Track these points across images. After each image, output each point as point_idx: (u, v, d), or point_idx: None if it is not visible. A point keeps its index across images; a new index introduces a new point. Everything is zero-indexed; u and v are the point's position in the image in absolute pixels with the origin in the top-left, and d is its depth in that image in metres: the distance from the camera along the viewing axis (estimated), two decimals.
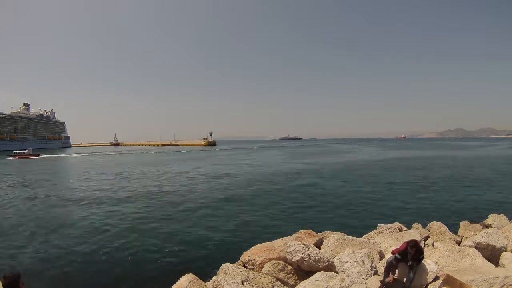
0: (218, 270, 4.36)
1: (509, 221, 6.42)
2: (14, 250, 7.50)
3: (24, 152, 52.22)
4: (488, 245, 4.65)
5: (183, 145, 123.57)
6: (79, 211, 11.56)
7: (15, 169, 30.06)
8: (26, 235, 8.63)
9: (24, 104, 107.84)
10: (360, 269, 3.96)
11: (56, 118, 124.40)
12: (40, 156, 53.63)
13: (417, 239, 5.03)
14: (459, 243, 5.45)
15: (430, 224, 6.26)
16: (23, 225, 9.71)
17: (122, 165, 29.88)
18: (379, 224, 6.41)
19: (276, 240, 5.08)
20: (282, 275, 4.17)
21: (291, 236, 5.43)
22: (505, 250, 4.63)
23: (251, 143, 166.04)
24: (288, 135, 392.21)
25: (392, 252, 3.85)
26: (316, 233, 5.53)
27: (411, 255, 3.62)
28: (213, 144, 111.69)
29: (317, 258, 4.13)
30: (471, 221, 6.45)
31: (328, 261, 4.17)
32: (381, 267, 4.20)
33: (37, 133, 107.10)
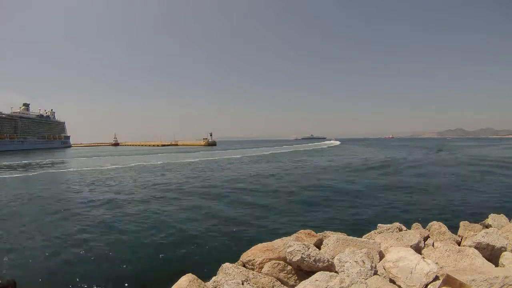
0: (218, 270, 4.35)
1: (509, 221, 6.42)
2: (8, 247, 7.51)
3: None
4: (488, 245, 4.65)
5: (183, 145, 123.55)
6: (78, 210, 11.56)
7: None
8: (20, 232, 8.63)
9: (24, 104, 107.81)
10: (360, 269, 3.96)
11: (56, 118, 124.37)
12: None
13: (418, 239, 5.04)
14: (459, 243, 5.45)
15: (430, 224, 6.26)
16: (17, 222, 9.71)
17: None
18: (379, 224, 6.41)
19: (276, 240, 5.07)
20: (282, 275, 4.17)
21: (291, 236, 5.42)
22: (505, 250, 4.63)
23: (278, 142, 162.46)
24: (312, 135, 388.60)
25: None
26: (316, 233, 5.52)
27: None
28: (213, 144, 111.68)
29: (317, 258, 4.13)
30: (471, 221, 6.44)
31: (328, 261, 4.17)
32: (381, 267, 4.21)
33: (37, 133, 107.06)
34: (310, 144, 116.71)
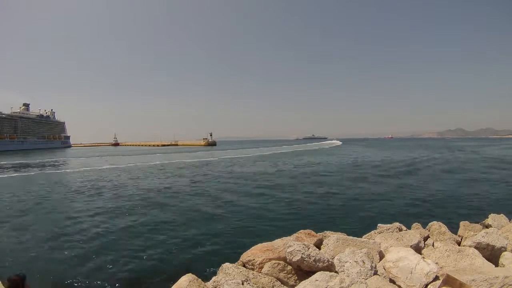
0: (218, 270, 4.35)
1: (509, 221, 6.42)
2: (16, 247, 7.51)
3: None
4: (488, 245, 4.65)
5: (183, 145, 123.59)
6: (76, 211, 11.56)
7: None
8: (27, 233, 8.63)
9: (24, 104, 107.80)
10: (360, 269, 3.96)
11: (56, 118, 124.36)
12: None
13: (418, 239, 5.04)
14: (459, 243, 5.45)
15: (430, 224, 6.26)
16: (23, 220, 9.71)
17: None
18: (379, 224, 6.41)
19: (276, 240, 5.07)
20: (282, 275, 4.17)
21: (291, 236, 5.43)
22: (505, 250, 4.63)
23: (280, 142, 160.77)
24: (313, 135, 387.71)
25: None
26: (316, 233, 5.52)
27: None
28: (213, 144, 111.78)
29: (317, 258, 4.13)
30: (471, 221, 6.45)
31: (328, 261, 4.17)
32: (381, 267, 4.21)
33: (37, 133, 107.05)
34: (312, 144, 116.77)
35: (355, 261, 4.06)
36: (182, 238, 8.15)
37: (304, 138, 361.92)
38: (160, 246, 7.55)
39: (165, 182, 19.23)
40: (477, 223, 6.50)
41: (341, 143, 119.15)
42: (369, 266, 4.01)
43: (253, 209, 11.44)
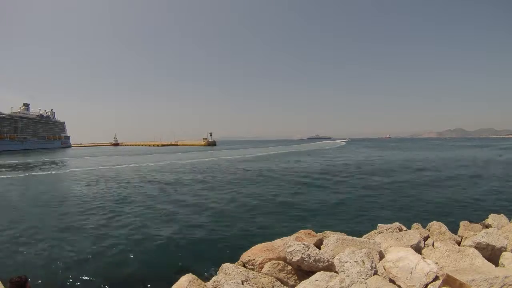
0: (218, 270, 4.35)
1: (509, 221, 6.42)
2: (15, 248, 7.51)
3: None
4: (488, 245, 4.65)
5: (183, 145, 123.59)
6: (73, 212, 11.55)
7: None
8: (28, 235, 8.63)
9: (24, 104, 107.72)
10: (360, 269, 3.96)
11: (56, 118, 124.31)
12: None
13: (418, 239, 5.04)
14: (459, 243, 5.45)
15: (430, 224, 6.26)
16: (24, 223, 9.71)
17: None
18: (379, 224, 6.41)
19: (276, 240, 5.07)
20: (282, 275, 4.17)
21: (291, 236, 5.43)
22: (505, 250, 4.63)
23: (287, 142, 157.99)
24: (317, 135, 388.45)
25: None
26: (316, 233, 5.52)
27: None
28: (213, 144, 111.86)
29: (317, 258, 4.13)
30: (471, 221, 6.44)
31: (328, 261, 4.17)
32: (381, 267, 4.21)
33: (37, 133, 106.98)
34: (317, 143, 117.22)
35: (355, 261, 4.06)
36: (182, 238, 8.15)
37: (308, 138, 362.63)
38: (160, 246, 7.54)
39: (164, 182, 19.22)
40: (477, 223, 6.51)
41: (344, 143, 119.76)
42: (369, 266, 4.01)
43: (253, 208, 11.44)
